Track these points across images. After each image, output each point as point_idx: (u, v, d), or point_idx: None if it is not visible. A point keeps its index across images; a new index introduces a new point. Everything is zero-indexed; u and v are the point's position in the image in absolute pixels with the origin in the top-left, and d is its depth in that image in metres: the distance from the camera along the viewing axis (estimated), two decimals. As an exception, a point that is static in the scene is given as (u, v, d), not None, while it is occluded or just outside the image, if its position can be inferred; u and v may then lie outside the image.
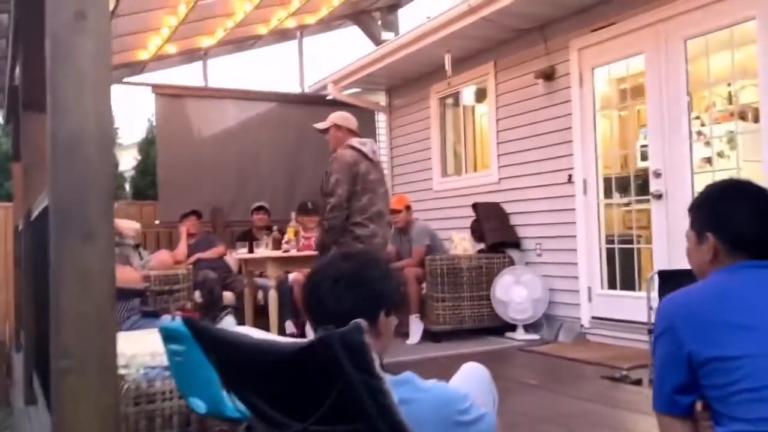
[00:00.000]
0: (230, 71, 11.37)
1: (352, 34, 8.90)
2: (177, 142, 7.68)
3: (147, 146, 10.45)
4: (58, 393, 1.87)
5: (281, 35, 8.36)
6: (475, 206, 6.67)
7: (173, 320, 3.73)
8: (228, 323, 1.75)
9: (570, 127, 5.87)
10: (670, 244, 4.98)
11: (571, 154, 5.85)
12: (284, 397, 1.45)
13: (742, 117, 5.32)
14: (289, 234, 5.68)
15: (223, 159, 7.83)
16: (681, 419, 1.62)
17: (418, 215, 7.83)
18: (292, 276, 6.55)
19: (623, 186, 5.70)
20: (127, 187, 10.43)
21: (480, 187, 6.96)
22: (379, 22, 8.65)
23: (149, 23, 5.93)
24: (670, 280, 4.32)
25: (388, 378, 1.33)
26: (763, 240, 1.67)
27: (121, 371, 2.67)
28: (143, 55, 7.01)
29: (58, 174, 2.01)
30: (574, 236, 5.84)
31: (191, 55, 7.79)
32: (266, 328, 5.25)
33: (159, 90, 7.64)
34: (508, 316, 6.11)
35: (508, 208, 6.60)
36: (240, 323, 5.71)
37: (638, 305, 4.65)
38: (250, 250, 5.73)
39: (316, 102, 8.35)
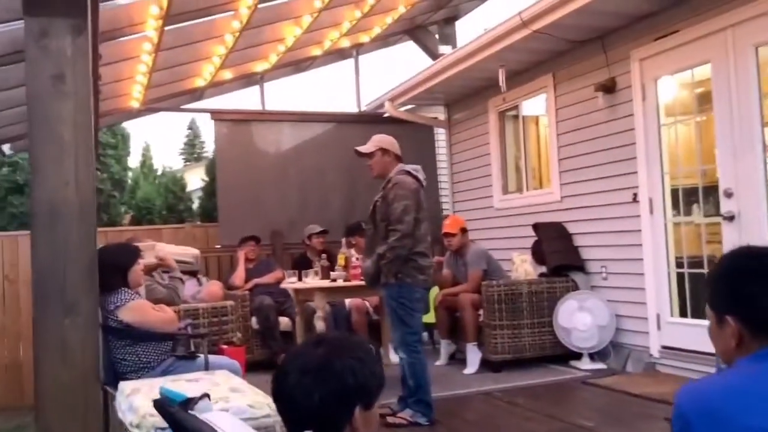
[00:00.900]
0: (288, 93, 11.42)
1: (409, 49, 8.76)
2: (236, 167, 7.73)
3: (213, 167, 10.61)
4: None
5: (337, 54, 8.30)
6: (536, 227, 6.37)
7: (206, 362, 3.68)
8: (203, 407, 1.62)
9: (634, 143, 5.50)
10: (744, 270, 4.55)
11: (636, 172, 5.48)
12: None
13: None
14: (340, 261, 5.56)
15: (282, 182, 7.83)
16: None
17: (479, 234, 7.61)
18: (349, 300, 6.45)
19: (693, 205, 5.27)
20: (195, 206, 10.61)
21: (542, 206, 6.65)
22: (437, 36, 8.45)
23: (199, 53, 5.97)
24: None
25: None
26: None
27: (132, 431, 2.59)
28: (200, 83, 7.08)
29: (39, 244, 1.95)
30: (641, 259, 5.46)
31: (248, 79, 7.82)
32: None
33: (217, 116, 7.72)
34: (571, 344, 5.78)
35: (571, 229, 6.26)
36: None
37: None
38: (300, 278, 5.64)
39: (374, 121, 8.23)
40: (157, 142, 28.71)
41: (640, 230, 5.46)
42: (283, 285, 5.88)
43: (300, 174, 7.89)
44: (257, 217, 7.63)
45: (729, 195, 4.72)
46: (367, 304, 6.42)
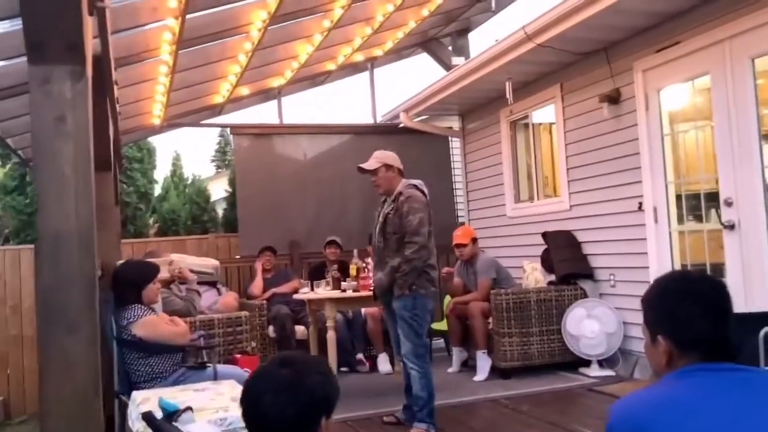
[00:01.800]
0: (305, 106, 11.68)
1: (423, 61, 8.91)
2: (255, 179, 7.97)
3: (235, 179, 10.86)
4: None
5: (352, 68, 8.48)
6: (545, 235, 6.47)
7: (215, 372, 3.87)
8: (186, 419, 1.79)
9: (638, 152, 5.58)
10: (745, 280, 4.62)
11: (641, 181, 5.56)
12: None
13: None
14: (352, 271, 5.72)
15: (300, 193, 8.04)
16: None
17: (493, 242, 7.73)
18: (365, 309, 6.62)
19: (697, 214, 5.34)
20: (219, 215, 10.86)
21: (552, 214, 6.74)
22: (450, 48, 8.59)
23: (215, 72, 6.20)
24: (741, 327, 4.00)
25: None
26: (714, 339, 1.61)
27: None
28: (218, 99, 7.33)
29: (44, 268, 2.15)
30: (647, 267, 5.53)
31: (265, 94, 8.05)
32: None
33: (236, 130, 7.98)
34: (580, 351, 5.87)
35: (580, 237, 6.35)
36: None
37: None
38: (312, 288, 5.82)
39: (389, 131, 8.41)
40: (189, 151, 29.16)
41: (645, 239, 5.54)
42: (296, 296, 6.06)
43: (318, 185, 8.10)
44: (276, 228, 7.85)
45: (729, 204, 4.78)
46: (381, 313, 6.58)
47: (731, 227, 4.76)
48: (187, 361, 3.82)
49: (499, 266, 6.35)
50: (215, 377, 3.81)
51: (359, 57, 7.84)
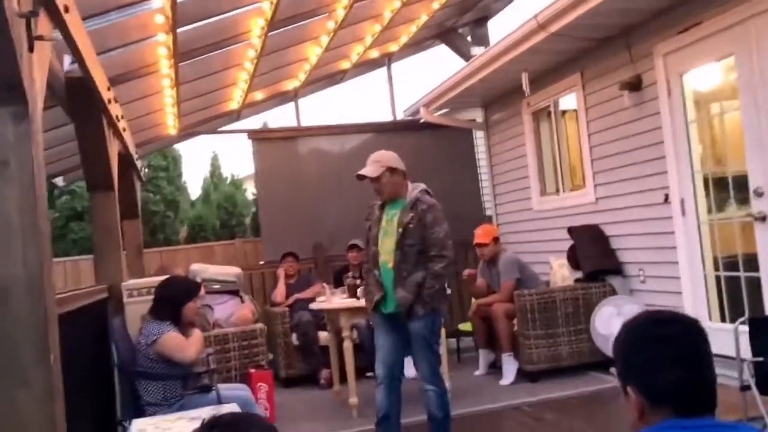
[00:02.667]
0: (323, 106, 11.55)
1: (443, 52, 8.69)
2: (276, 183, 7.90)
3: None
4: None
5: (369, 64, 8.32)
6: (571, 230, 6.22)
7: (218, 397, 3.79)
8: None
9: (662, 142, 5.29)
10: (778, 274, 4.32)
11: (666, 172, 5.27)
12: None
13: None
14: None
15: (321, 195, 7.94)
16: None
17: (520, 237, 7.51)
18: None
19: (726, 205, 5.02)
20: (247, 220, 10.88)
21: (578, 207, 6.48)
22: (468, 38, 8.35)
23: (223, 81, 6.12)
24: (765, 329, 3.73)
25: None
26: (689, 389, 1.42)
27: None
28: (233, 105, 7.26)
29: (-7, 321, 2.06)
30: (676, 262, 5.25)
31: (282, 97, 7.96)
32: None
33: (253, 135, 7.91)
34: (610, 351, 5.60)
35: (608, 231, 6.08)
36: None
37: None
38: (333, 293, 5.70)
39: (410, 128, 8.23)
40: (227, 150, 29.46)
41: (673, 232, 5.25)
42: (311, 305, 5.93)
43: (339, 186, 7.96)
44: (299, 232, 7.77)
45: (759, 194, 4.48)
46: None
47: (762, 219, 4.46)
48: (187, 387, 3.75)
49: (522, 265, 6.12)
50: (219, 401, 3.74)
51: (374, 54, 7.68)
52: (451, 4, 7.03)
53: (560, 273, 6.37)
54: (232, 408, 3.54)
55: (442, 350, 5.38)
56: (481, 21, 8.24)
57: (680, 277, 5.22)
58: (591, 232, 6.12)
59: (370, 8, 5.89)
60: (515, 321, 5.81)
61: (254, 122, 8.37)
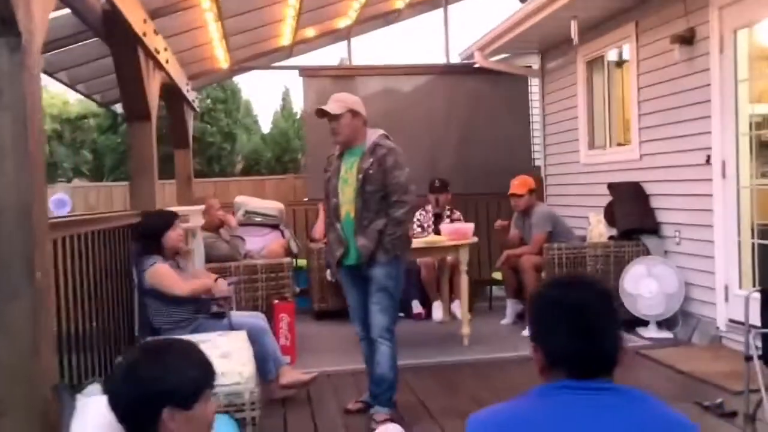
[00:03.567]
0: (377, 47, 11.42)
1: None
2: (323, 122, 7.94)
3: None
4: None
5: (427, 4, 8.17)
6: (611, 187, 6.09)
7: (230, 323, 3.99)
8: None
9: (709, 100, 5.05)
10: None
11: (710, 132, 5.06)
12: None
13: None
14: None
15: (368, 135, 7.96)
16: None
17: (567, 190, 7.39)
18: (419, 258, 6.56)
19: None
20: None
21: (623, 164, 6.31)
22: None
23: (268, 16, 6.16)
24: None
25: None
26: (582, 355, 1.46)
27: None
28: (283, 41, 7.31)
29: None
30: (711, 226, 5.09)
31: (334, 35, 7.95)
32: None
33: (305, 73, 7.95)
34: (637, 311, 5.55)
35: (649, 189, 5.92)
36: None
37: None
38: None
39: (464, 72, 8.10)
40: (297, 86, 29.68)
41: (711, 195, 5.07)
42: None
43: (387, 128, 7.95)
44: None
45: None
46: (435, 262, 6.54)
47: (801, 188, 4.26)
48: (201, 312, 3.96)
49: (556, 219, 6.05)
50: (231, 327, 3.94)
51: (430, -7, 7.54)
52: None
53: (597, 229, 6.28)
54: (236, 337, 3.73)
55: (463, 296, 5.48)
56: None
57: (714, 241, 5.07)
58: (631, 190, 5.97)
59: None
60: (543, 274, 5.79)
61: (307, 60, 8.41)
